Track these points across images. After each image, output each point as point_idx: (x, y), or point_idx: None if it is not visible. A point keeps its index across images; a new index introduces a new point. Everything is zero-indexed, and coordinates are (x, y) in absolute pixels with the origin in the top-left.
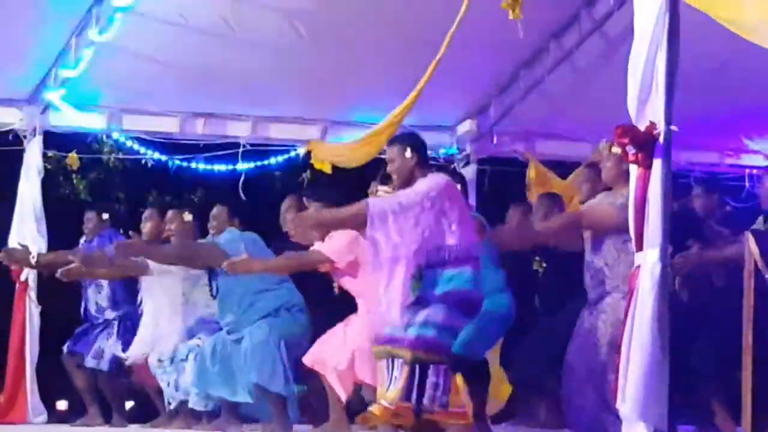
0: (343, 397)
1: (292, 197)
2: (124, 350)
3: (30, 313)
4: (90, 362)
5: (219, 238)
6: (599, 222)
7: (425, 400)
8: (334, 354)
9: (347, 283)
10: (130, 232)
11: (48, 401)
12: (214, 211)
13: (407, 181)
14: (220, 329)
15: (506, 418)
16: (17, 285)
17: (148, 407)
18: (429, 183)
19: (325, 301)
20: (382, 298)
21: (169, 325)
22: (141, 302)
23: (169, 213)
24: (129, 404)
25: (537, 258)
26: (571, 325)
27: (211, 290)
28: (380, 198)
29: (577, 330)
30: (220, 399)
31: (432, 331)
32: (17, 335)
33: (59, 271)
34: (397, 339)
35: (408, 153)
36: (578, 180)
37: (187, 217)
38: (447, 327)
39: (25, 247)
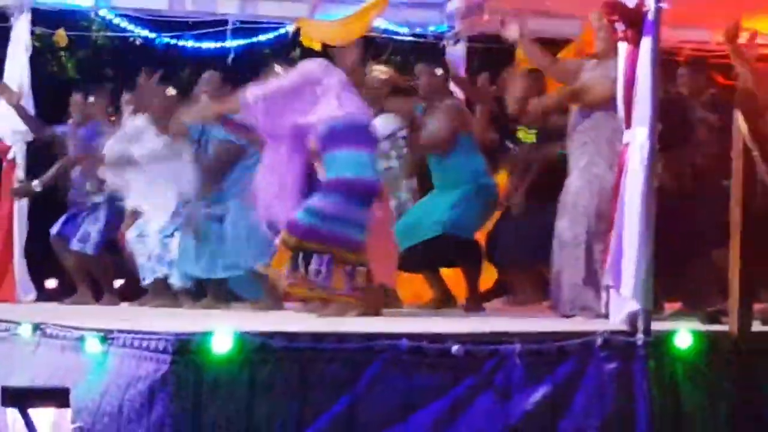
0: None
1: (211, 73)
2: (109, 234)
3: None
4: (76, 245)
5: (216, 131)
6: (599, 100)
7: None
8: None
9: None
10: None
11: (37, 280)
12: (206, 75)
13: None
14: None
15: (494, 297)
16: (4, 163)
17: (138, 285)
18: (305, 65)
19: None
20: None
21: (157, 203)
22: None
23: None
24: (118, 282)
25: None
26: (549, 206)
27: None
28: (256, 86)
29: (563, 199)
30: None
31: (312, 219)
32: (5, 214)
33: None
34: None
35: None
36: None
37: (170, 92)
38: (331, 216)
39: (27, 183)
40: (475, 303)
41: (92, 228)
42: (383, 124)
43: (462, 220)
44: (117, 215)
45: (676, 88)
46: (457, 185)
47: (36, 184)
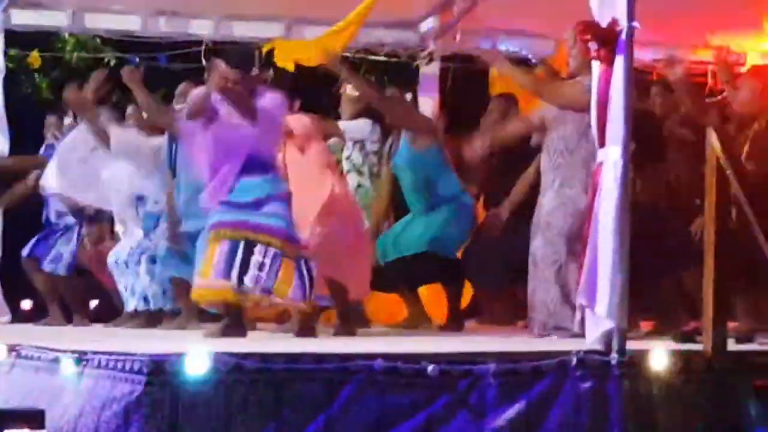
0: None
1: (186, 84)
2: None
3: None
4: (48, 266)
5: None
6: (570, 98)
7: (246, 279)
8: None
9: None
10: None
11: (12, 302)
12: (181, 88)
13: None
14: None
15: (469, 317)
16: None
17: (111, 306)
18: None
19: None
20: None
21: (124, 227)
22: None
23: (129, 108)
24: (93, 303)
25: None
26: (525, 225)
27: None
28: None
29: (537, 220)
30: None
31: (262, 218)
32: None
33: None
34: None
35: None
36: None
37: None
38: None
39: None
40: (456, 322)
41: (64, 249)
42: (355, 127)
43: (445, 238)
44: (90, 236)
45: (648, 106)
46: (437, 204)
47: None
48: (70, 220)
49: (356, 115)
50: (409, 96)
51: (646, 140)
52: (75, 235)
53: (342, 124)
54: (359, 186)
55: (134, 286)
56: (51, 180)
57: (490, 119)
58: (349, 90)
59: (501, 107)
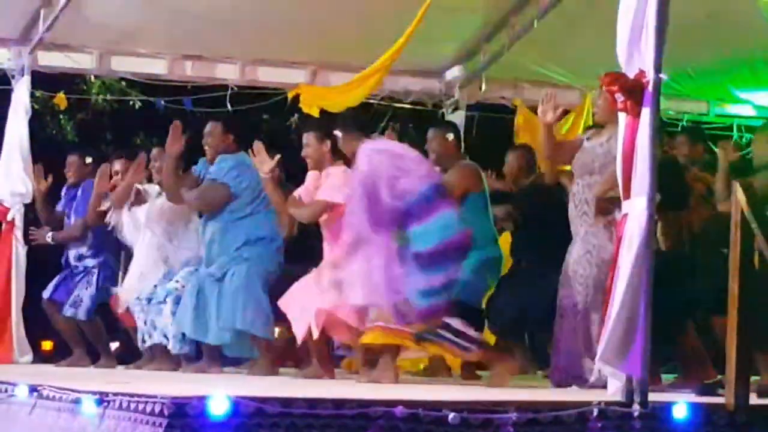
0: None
1: (213, 123)
2: (102, 298)
3: (16, 252)
4: (68, 311)
5: (211, 169)
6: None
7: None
8: (308, 309)
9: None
10: None
11: (33, 341)
12: (208, 127)
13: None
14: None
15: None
16: (3, 224)
17: (133, 348)
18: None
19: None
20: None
21: (150, 267)
22: (121, 251)
23: (154, 151)
24: (114, 345)
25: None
26: (547, 274)
27: (204, 232)
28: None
29: (565, 269)
30: (197, 342)
31: (430, 299)
32: (3, 275)
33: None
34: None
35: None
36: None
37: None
38: (447, 285)
39: (41, 230)
40: (472, 371)
41: (84, 293)
42: None
43: (472, 287)
44: (110, 280)
45: (672, 152)
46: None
47: (49, 236)
48: (90, 262)
49: None
50: (450, 137)
51: (668, 187)
52: (94, 279)
53: None
54: None
55: (155, 322)
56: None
57: (511, 169)
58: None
59: (520, 157)
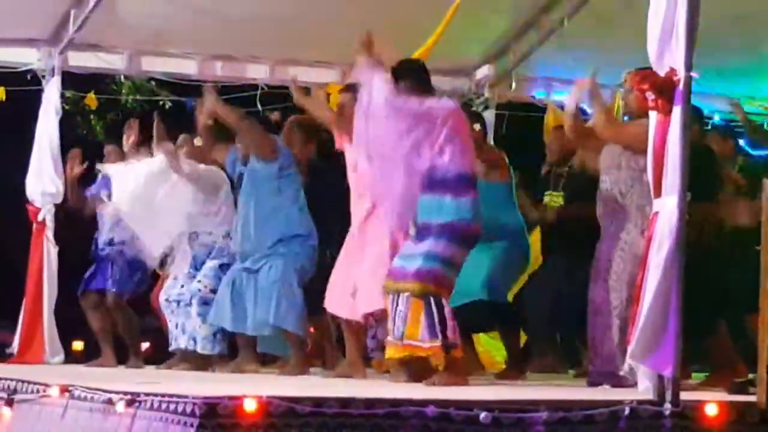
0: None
1: (185, 137)
2: (134, 279)
3: (47, 252)
4: (111, 287)
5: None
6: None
7: (449, 333)
8: (346, 299)
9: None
10: None
11: (64, 341)
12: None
13: None
14: (221, 266)
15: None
16: (34, 225)
17: (164, 347)
18: (433, 101)
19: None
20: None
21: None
22: None
23: (180, 137)
24: (144, 345)
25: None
26: (582, 272)
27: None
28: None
29: (596, 265)
30: (230, 340)
31: (437, 264)
32: (34, 275)
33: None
34: (404, 272)
35: None
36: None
37: (198, 141)
38: (450, 260)
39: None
40: (518, 368)
41: (120, 274)
42: None
43: (497, 282)
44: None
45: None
46: (492, 240)
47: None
48: (118, 247)
49: None
50: (477, 127)
51: (696, 174)
52: (122, 261)
53: None
54: None
55: (185, 325)
56: (124, 204)
57: (553, 149)
58: None
59: (561, 137)
